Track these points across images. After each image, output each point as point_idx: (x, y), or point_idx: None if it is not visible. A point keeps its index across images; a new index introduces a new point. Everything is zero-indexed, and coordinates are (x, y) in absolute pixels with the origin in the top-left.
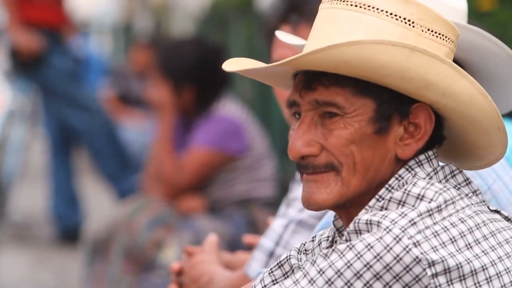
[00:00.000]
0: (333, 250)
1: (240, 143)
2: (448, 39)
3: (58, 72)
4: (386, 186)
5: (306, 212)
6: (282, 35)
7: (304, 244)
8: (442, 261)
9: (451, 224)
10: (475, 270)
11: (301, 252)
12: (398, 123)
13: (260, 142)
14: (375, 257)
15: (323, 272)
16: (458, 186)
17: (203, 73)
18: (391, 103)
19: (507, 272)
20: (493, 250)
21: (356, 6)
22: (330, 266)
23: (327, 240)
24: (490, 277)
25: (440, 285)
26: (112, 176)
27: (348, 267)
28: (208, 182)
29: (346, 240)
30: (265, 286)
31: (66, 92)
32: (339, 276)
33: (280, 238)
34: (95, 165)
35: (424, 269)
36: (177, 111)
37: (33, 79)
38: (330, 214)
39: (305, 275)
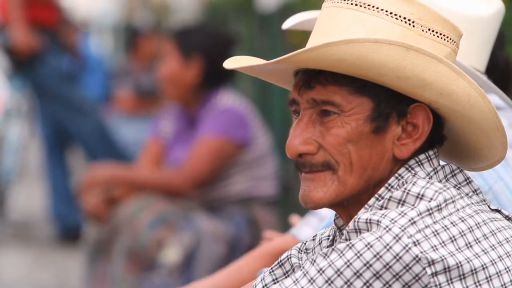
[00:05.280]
0: (333, 249)
1: (246, 131)
2: (450, 39)
3: (52, 71)
4: (386, 185)
5: None
6: (287, 23)
7: (305, 243)
8: (442, 260)
9: (451, 223)
10: (475, 269)
11: (301, 251)
12: (396, 123)
13: (262, 139)
14: (375, 256)
15: (323, 272)
16: (458, 185)
17: (213, 50)
18: (388, 103)
19: (507, 271)
20: (493, 249)
21: (356, 5)
22: (330, 265)
23: (328, 239)
24: (490, 276)
25: (440, 284)
26: None
27: (348, 266)
28: (223, 173)
29: (346, 239)
30: (265, 285)
31: (59, 92)
32: (339, 275)
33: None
34: (88, 162)
35: (424, 268)
36: (183, 85)
37: (28, 77)
38: (332, 214)
39: (305, 275)
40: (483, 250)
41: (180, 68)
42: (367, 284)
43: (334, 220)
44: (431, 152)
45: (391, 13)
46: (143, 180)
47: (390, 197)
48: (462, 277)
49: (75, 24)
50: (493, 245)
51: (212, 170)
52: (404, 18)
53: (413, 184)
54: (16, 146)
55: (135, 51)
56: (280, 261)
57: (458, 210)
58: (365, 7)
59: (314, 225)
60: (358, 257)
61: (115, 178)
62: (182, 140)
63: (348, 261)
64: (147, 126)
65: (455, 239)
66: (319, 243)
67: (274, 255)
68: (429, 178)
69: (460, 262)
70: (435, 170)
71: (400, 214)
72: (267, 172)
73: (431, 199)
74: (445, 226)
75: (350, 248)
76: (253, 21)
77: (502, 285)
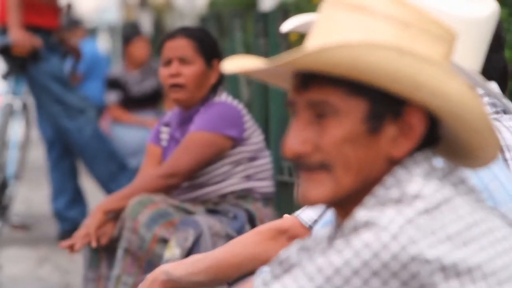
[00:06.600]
0: (332, 247)
1: (238, 127)
2: (445, 40)
3: (52, 71)
4: (383, 184)
5: None
6: (286, 26)
7: (305, 241)
8: (439, 258)
9: (448, 221)
10: (471, 267)
11: (301, 249)
12: (392, 123)
13: (256, 135)
14: (373, 255)
15: (322, 270)
16: (455, 184)
17: (221, 52)
18: (384, 103)
19: (503, 269)
20: (489, 247)
21: (354, 7)
22: (329, 264)
23: (327, 237)
24: (486, 274)
25: (437, 282)
26: (103, 179)
27: (346, 264)
28: (218, 172)
29: (344, 238)
30: (265, 283)
31: (58, 92)
32: (337, 273)
33: None
34: (85, 167)
35: (421, 267)
36: (205, 89)
37: (28, 77)
38: (331, 212)
39: (304, 273)
40: (479, 248)
41: (206, 72)
42: (366, 281)
43: (333, 219)
44: (427, 152)
45: (387, 15)
46: (128, 194)
47: (387, 196)
48: (459, 274)
49: (79, 25)
50: (489, 243)
51: (197, 162)
52: (400, 20)
53: (410, 183)
54: (18, 145)
55: (127, 57)
56: (281, 259)
57: (454, 208)
58: (362, 9)
59: (318, 208)
60: (356, 255)
61: (108, 210)
62: (176, 142)
63: (347, 259)
64: (137, 134)
65: (451, 238)
66: (319, 242)
67: (274, 231)
68: (426, 177)
69: (456, 260)
70: (431, 169)
71: (397, 213)
72: (262, 168)
73: (428, 198)
74: (442, 224)
75: (349, 247)
76: (253, 21)
77: (498, 283)
